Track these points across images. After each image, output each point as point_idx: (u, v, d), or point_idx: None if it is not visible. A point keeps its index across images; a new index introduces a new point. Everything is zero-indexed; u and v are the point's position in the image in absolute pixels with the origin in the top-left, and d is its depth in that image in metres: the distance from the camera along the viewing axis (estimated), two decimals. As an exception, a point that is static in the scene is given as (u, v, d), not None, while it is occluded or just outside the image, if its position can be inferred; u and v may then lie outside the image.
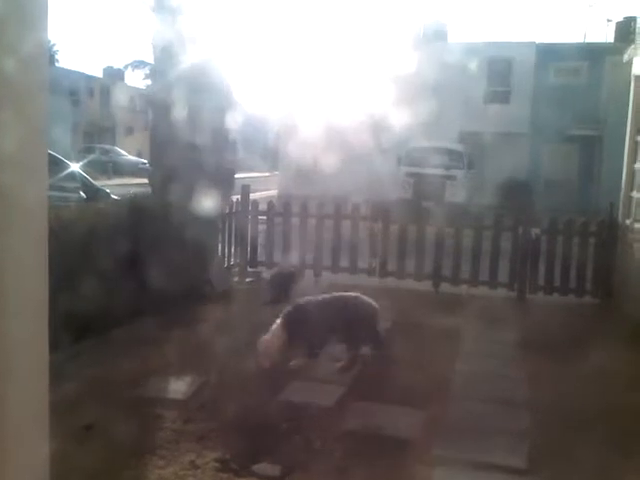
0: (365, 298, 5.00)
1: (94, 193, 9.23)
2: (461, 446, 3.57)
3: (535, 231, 7.71)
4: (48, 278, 0.97)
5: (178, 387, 4.26)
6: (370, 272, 8.07)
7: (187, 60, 6.44)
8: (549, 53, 23.46)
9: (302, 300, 4.94)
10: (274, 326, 4.58)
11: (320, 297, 5.01)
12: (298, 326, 4.58)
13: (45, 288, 0.96)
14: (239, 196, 8.32)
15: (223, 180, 7.06)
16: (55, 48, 44.95)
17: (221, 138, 7.05)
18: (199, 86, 6.50)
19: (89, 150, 28.75)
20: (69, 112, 33.32)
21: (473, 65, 21.99)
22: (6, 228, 0.89)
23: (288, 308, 4.79)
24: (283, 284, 6.75)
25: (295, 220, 8.22)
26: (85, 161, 15.82)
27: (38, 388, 0.93)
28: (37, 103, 0.93)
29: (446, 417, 4.01)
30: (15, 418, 0.89)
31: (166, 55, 6.69)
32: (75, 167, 9.84)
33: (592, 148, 22.98)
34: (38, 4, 0.90)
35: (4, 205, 0.87)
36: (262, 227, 8.39)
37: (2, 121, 0.86)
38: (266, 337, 4.54)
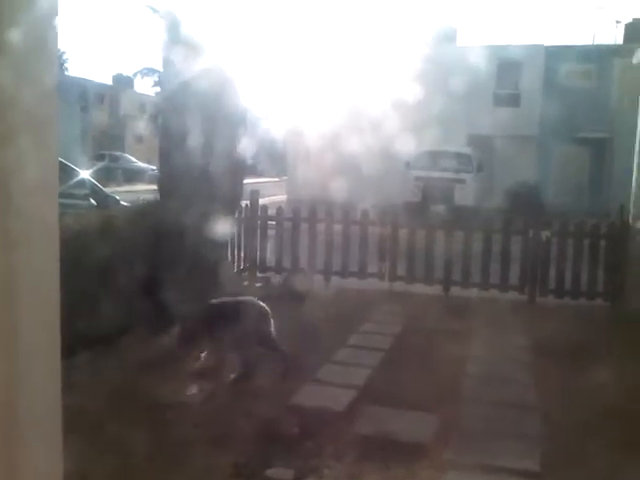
0: (256, 301, 4.89)
1: (104, 200, 9.27)
2: (474, 450, 3.55)
3: (545, 234, 7.67)
4: (59, 285, 0.97)
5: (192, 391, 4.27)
6: (380, 276, 8.07)
7: (196, 67, 6.47)
8: (558, 55, 23.39)
9: (214, 301, 4.94)
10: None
11: (226, 300, 5.00)
12: (197, 325, 4.63)
13: (57, 295, 0.96)
14: (248, 201, 8.34)
15: (232, 186, 7.08)
16: (65, 56, 45.31)
17: (230, 144, 7.08)
18: (208, 92, 6.53)
19: (99, 157, 28.91)
20: (79, 119, 33.54)
21: (482, 68, 21.95)
22: (18, 236, 0.89)
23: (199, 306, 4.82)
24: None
25: (304, 225, 8.23)
26: (95, 168, 15.92)
27: (51, 396, 0.93)
28: (47, 112, 0.94)
29: (458, 421, 4.00)
30: (28, 425, 0.89)
31: (175, 62, 6.72)
32: (85, 174, 9.89)
33: (602, 150, 22.85)
34: (48, 10, 0.90)
35: (15, 213, 0.87)
36: (271, 232, 8.41)
37: (12, 129, 0.86)
38: (178, 328, 4.63)
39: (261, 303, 4.86)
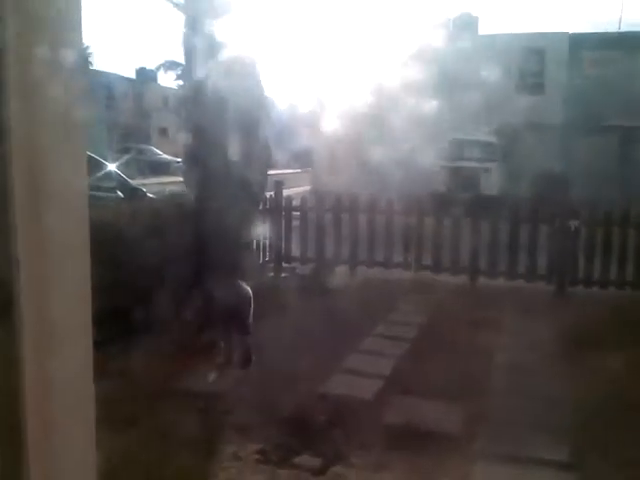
0: (241, 284, 4.80)
1: (131, 192, 9.36)
2: (504, 441, 3.52)
3: (573, 223, 7.56)
4: (90, 277, 0.98)
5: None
6: (405, 266, 8.03)
7: (218, 58, 6.48)
8: (583, 43, 22.97)
9: (209, 284, 4.92)
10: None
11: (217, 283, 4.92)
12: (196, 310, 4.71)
13: (88, 288, 0.97)
14: (273, 192, 8.36)
15: (256, 177, 7.09)
16: (89, 51, 45.74)
17: (254, 135, 7.08)
18: (230, 83, 6.54)
19: (125, 150, 29.15)
20: (105, 113, 33.88)
21: (505, 57, 21.66)
22: (48, 229, 0.90)
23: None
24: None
25: (329, 215, 8.22)
26: (121, 161, 16.08)
27: (83, 374, 0.94)
28: (76, 106, 0.94)
29: (487, 411, 3.97)
30: (60, 406, 0.90)
31: (197, 54, 6.74)
32: (112, 167, 9.99)
33: (629, 138, 22.43)
34: (73, 5, 0.90)
35: (45, 207, 0.88)
36: (296, 223, 8.42)
37: (42, 124, 0.87)
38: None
39: (246, 286, 4.77)
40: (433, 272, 7.87)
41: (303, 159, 28.40)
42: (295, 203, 8.42)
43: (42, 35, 0.86)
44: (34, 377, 0.85)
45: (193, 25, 6.90)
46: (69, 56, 0.91)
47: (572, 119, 22.19)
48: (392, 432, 3.59)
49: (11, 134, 0.80)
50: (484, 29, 34.41)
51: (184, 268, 5.23)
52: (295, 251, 8.39)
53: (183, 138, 7.46)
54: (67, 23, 0.90)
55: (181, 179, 7.41)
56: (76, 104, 0.94)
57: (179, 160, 24.86)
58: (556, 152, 22.18)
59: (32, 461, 0.82)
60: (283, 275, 8.15)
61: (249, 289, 4.78)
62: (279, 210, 8.34)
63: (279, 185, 8.50)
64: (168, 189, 7.43)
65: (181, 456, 3.22)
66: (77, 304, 0.97)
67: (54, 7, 0.88)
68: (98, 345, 0.99)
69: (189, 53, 7.01)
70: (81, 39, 0.94)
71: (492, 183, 17.81)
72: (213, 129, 6.53)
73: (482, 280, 7.70)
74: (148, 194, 9.46)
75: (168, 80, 47.03)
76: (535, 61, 23.44)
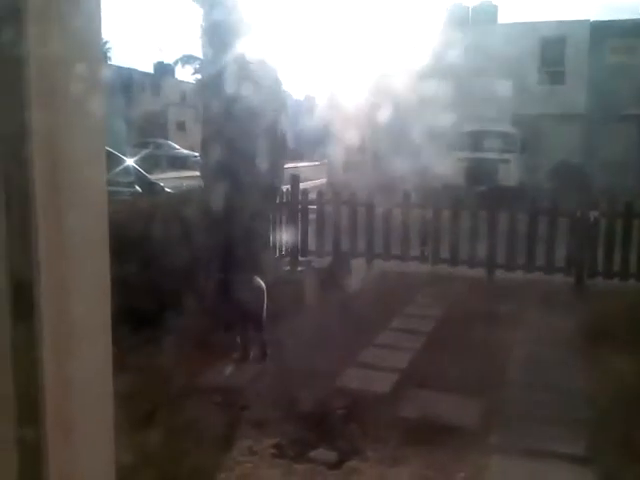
0: (255, 279, 4.82)
1: (149, 187, 9.43)
2: (522, 435, 3.52)
3: (593, 214, 7.48)
4: (109, 272, 1.00)
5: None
6: (422, 259, 8.01)
7: (235, 52, 6.49)
8: (604, 31, 22.60)
9: (221, 276, 5.07)
10: None
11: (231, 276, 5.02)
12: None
13: (107, 282, 0.99)
14: (289, 186, 8.37)
15: (273, 171, 7.11)
16: (107, 46, 46.00)
17: (270, 128, 7.10)
18: (248, 78, 6.55)
19: (143, 145, 29.33)
20: (123, 108, 34.09)
21: (525, 46, 21.40)
22: (68, 225, 0.92)
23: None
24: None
25: (345, 208, 8.22)
26: (139, 156, 16.18)
27: (102, 373, 0.97)
28: (94, 100, 0.96)
29: (503, 405, 3.97)
30: (79, 405, 0.93)
31: (214, 48, 6.76)
32: (130, 162, 10.07)
33: (651, 128, 22.08)
34: (93, 3, 0.93)
35: (67, 206, 0.90)
36: (312, 216, 8.43)
37: (63, 123, 0.89)
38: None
39: (259, 281, 4.80)
40: (450, 265, 7.84)
41: (320, 151, 28.34)
42: (311, 196, 8.42)
43: (62, 34, 0.87)
44: (54, 377, 0.88)
45: (210, 19, 6.93)
46: (88, 53, 0.93)
47: (593, 108, 21.90)
48: (408, 426, 3.60)
49: (32, 134, 0.82)
50: (503, 18, 33.95)
51: (200, 263, 5.27)
52: (311, 244, 8.40)
53: (200, 132, 7.50)
54: (87, 21, 0.92)
55: (198, 173, 7.47)
56: (96, 101, 0.95)
57: (196, 154, 24.96)
58: (576, 142, 21.90)
59: (51, 460, 0.84)
60: (299, 269, 8.16)
61: (262, 284, 4.79)
62: (295, 204, 8.36)
63: (295, 179, 8.52)
64: (185, 183, 7.48)
65: (197, 450, 3.26)
66: (97, 303, 0.99)
67: (74, 5, 0.90)
68: (115, 340, 1.02)
69: (207, 47, 7.05)
70: (100, 37, 0.96)
71: (511, 174, 17.64)
72: (229, 123, 6.56)
73: (500, 273, 7.66)
74: (166, 188, 9.53)
75: (186, 74, 47.22)
76: (556, 50, 23.12)
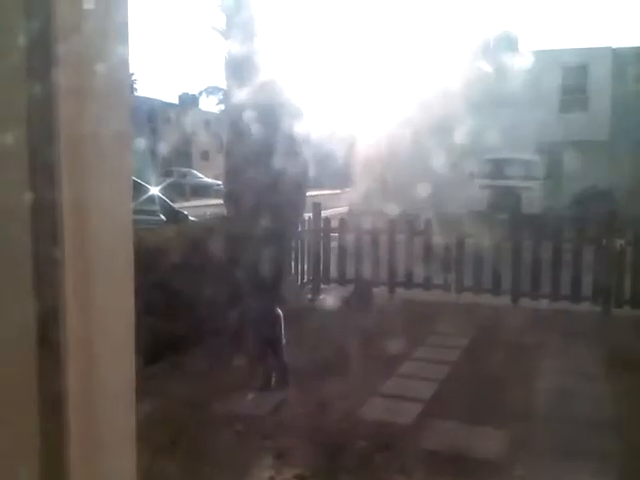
0: (273, 307, 4.81)
1: (173, 215, 9.53)
2: (546, 468, 3.44)
3: (620, 242, 7.38)
4: (134, 299, 1.01)
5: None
6: (445, 288, 7.94)
7: (258, 83, 6.60)
8: (627, 57, 22.55)
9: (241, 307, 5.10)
10: None
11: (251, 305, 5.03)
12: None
13: (131, 309, 1.00)
14: (311, 214, 8.41)
15: (295, 199, 7.16)
16: (133, 77, 47.06)
17: (292, 157, 7.17)
18: (270, 108, 6.64)
19: (167, 174, 29.77)
20: (148, 138, 34.71)
21: (547, 73, 21.43)
22: (95, 251, 0.94)
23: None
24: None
25: (367, 236, 8.21)
26: (164, 184, 16.41)
27: (125, 400, 0.97)
28: (122, 133, 0.98)
29: (529, 437, 3.88)
30: (103, 434, 0.93)
31: (238, 79, 6.88)
32: (155, 191, 10.20)
33: (678, 154, 21.81)
34: (120, 24, 0.95)
35: (92, 235, 0.92)
36: (334, 244, 8.43)
37: (89, 149, 0.92)
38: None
39: (277, 309, 4.81)
40: (474, 293, 7.76)
41: (341, 179, 28.48)
42: (333, 224, 8.44)
43: (90, 66, 0.90)
44: (77, 406, 0.88)
45: (235, 52, 7.07)
46: (116, 84, 0.95)
47: (617, 135, 21.74)
48: (432, 457, 3.53)
49: (61, 163, 0.84)
50: (526, 46, 34.08)
51: (221, 292, 5.29)
52: (334, 272, 8.39)
53: (224, 162, 7.60)
54: (114, 47, 0.94)
55: (221, 201, 7.54)
56: (122, 131, 0.97)
57: (219, 183, 25.26)
58: (601, 169, 21.71)
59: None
60: (321, 297, 8.16)
61: (280, 312, 4.79)
62: (317, 231, 8.38)
63: (317, 207, 8.55)
64: (209, 212, 7.55)
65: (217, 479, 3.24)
66: (121, 331, 1.00)
67: (102, 38, 0.92)
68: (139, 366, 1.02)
69: (230, 77, 7.18)
70: (128, 69, 0.98)
71: (534, 202, 17.52)
72: (252, 153, 6.64)
73: (524, 301, 7.55)
74: (190, 217, 9.62)
75: (210, 105, 48.01)
76: (578, 77, 23.09)
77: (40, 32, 0.82)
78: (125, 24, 0.93)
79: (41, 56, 0.82)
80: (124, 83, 0.96)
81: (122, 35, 0.95)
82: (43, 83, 0.82)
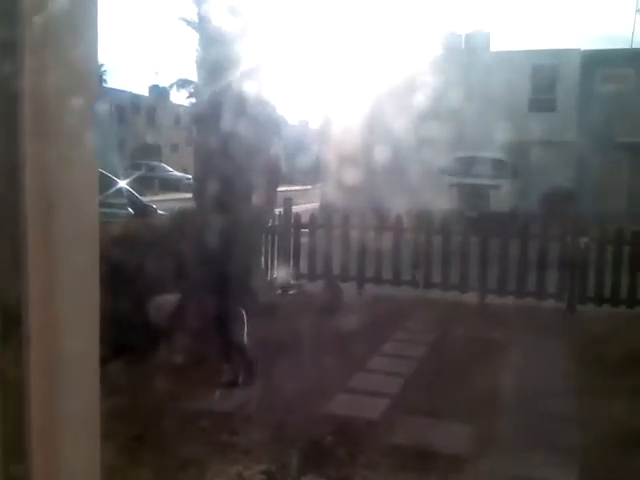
0: (234, 304, 4.88)
1: (141, 209, 9.41)
2: (511, 461, 3.50)
3: (584, 240, 7.53)
4: (99, 294, 1.01)
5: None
6: (414, 284, 8.02)
7: (229, 77, 6.55)
8: (595, 60, 22.97)
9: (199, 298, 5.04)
10: None
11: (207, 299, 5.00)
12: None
13: (96, 303, 1.00)
14: (281, 209, 8.39)
15: (266, 194, 7.14)
16: (103, 69, 46.32)
17: (263, 152, 7.14)
18: (242, 102, 6.60)
19: (136, 167, 29.40)
20: (116, 130, 34.22)
21: (517, 73, 21.71)
22: (60, 244, 0.93)
23: None
24: None
25: (337, 232, 8.23)
26: (132, 178, 16.20)
27: (89, 397, 0.96)
28: (87, 123, 0.97)
29: (493, 431, 3.94)
30: (66, 427, 0.92)
31: (209, 73, 6.83)
32: (122, 184, 10.06)
33: (642, 155, 22.33)
34: (89, 20, 0.94)
35: (57, 225, 0.91)
36: (304, 240, 8.44)
37: (54, 142, 0.90)
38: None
39: (239, 306, 4.83)
40: (442, 290, 7.85)
41: (312, 175, 28.49)
42: (304, 220, 8.44)
43: (56, 53, 0.88)
44: (40, 400, 0.87)
45: (205, 43, 7.00)
46: (82, 73, 0.93)
47: (584, 136, 22.15)
48: (397, 452, 3.56)
49: (25, 154, 0.83)
50: (496, 46, 34.50)
51: (186, 286, 5.25)
52: (303, 268, 8.39)
53: (193, 155, 7.54)
54: (82, 40, 0.93)
55: (191, 196, 7.48)
56: (88, 122, 0.96)
57: (189, 177, 25.03)
58: (568, 169, 22.11)
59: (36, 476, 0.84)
60: (291, 292, 8.15)
61: (242, 309, 4.81)
62: (288, 227, 8.37)
63: (288, 202, 8.54)
64: (178, 205, 7.48)
65: (184, 477, 3.22)
66: (86, 325, 0.99)
67: (69, 25, 0.91)
68: (103, 363, 1.01)
69: (201, 70, 7.11)
70: (96, 57, 0.97)
71: (502, 200, 17.77)
72: (222, 147, 6.59)
73: (491, 298, 7.66)
74: (158, 210, 9.52)
75: (180, 98, 47.53)
76: (547, 78, 23.43)
77: (4, 17, 0.81)
78: (94, 12, 0.92)
79: (4, 45, 0.81)
80: (90, 74, 0.94)
81: (90, 23, 0.93)
82: (6, 80, 0.81)
